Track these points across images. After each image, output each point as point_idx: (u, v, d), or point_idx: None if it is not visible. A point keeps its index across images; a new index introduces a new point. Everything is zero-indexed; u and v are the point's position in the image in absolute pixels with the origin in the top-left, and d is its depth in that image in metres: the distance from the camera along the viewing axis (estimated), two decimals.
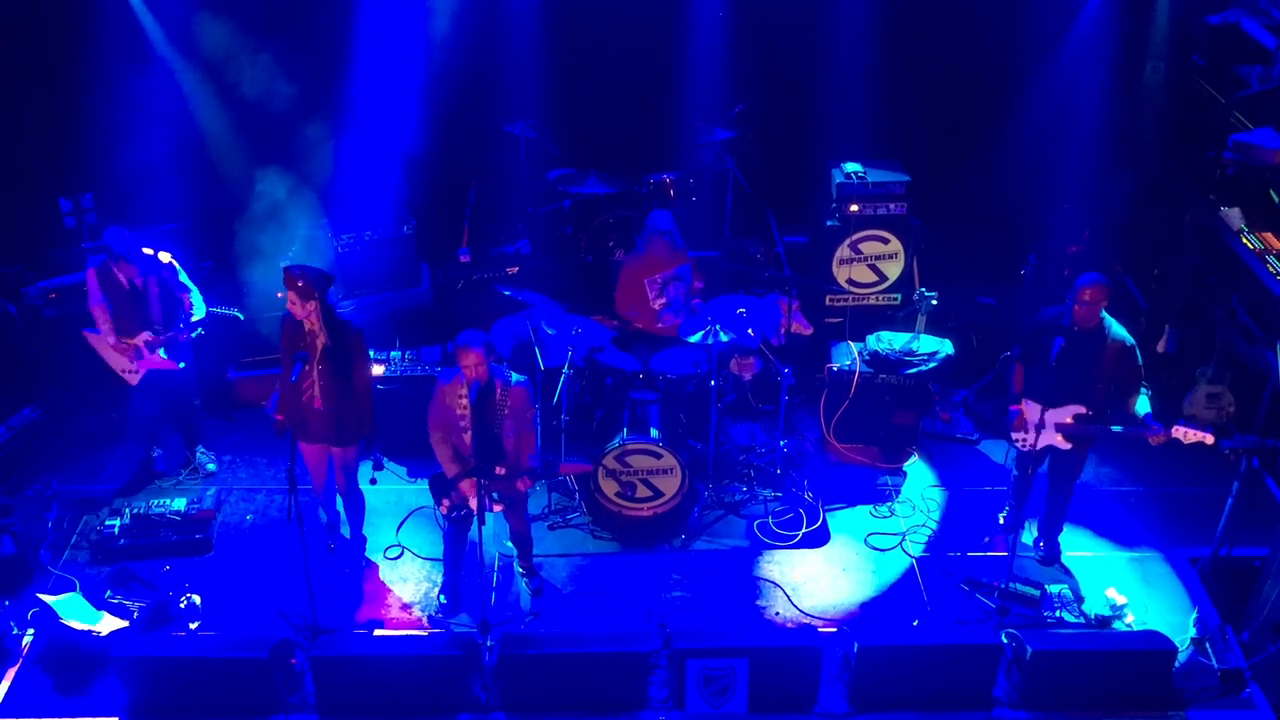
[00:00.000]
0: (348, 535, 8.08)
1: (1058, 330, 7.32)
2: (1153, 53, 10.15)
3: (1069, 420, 7.40)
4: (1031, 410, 7.48)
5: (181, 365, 8.33)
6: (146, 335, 8.14)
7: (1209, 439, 7.09)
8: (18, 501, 8.21)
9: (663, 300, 8.88)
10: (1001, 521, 8.18)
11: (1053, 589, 7.75)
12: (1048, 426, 7.44)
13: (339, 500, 7.93)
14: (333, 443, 7.52)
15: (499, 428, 7.13)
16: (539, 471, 7.33)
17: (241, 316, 8.69)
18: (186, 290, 8.24)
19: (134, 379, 8.29)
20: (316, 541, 7.81)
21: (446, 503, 7.33)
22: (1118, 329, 7.33)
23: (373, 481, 7.73)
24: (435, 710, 7.00)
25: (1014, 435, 7.66)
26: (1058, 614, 7.62)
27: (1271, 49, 9.34)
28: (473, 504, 7.30)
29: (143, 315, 8.13)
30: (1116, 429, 7.36)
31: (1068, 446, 7.51)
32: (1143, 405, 7.38)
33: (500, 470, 7.13)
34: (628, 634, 7.36)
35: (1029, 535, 8.14)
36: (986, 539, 8.02)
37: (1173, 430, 7.12)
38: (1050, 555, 7.98)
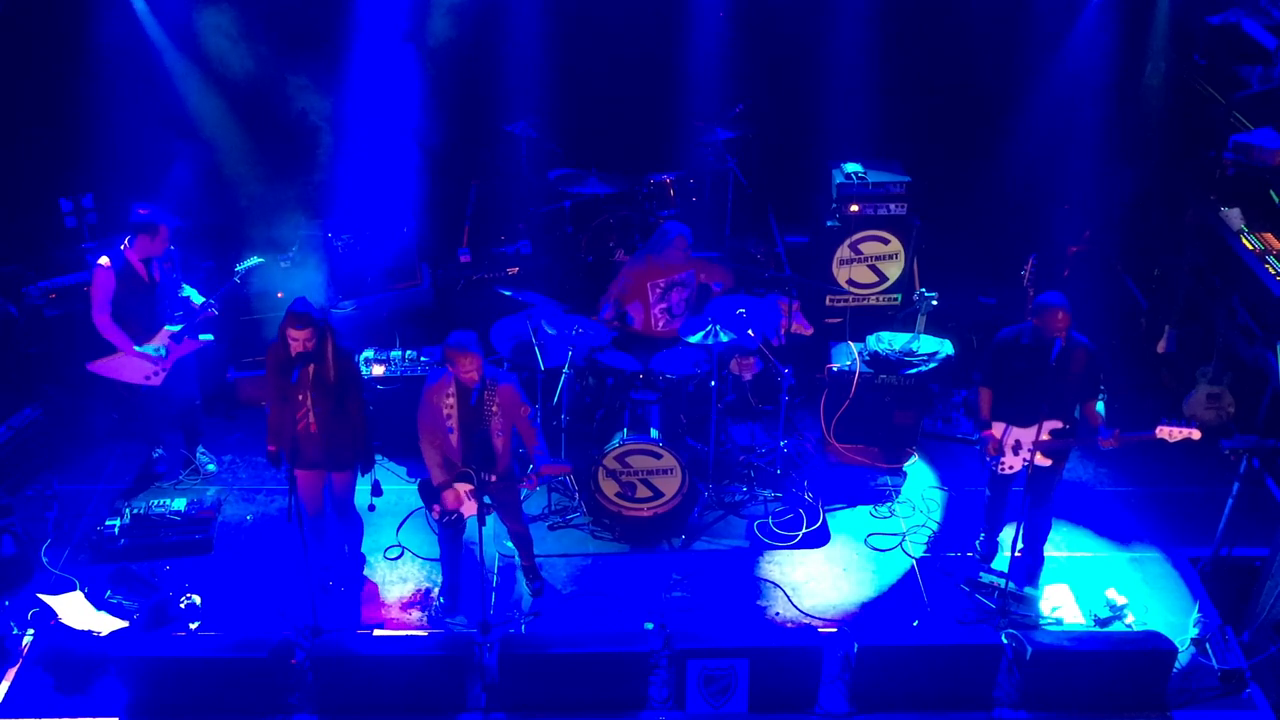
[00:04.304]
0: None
1: (1025, 350, 7.26)
2: (1153, 53, 10.16)
3: (1048, 437, 7.31)
4: (1007, 434, 7.48)
5: (211, 338, 8.36)
6: (165, 331, 8.12)
7: (1195, 434, 7.06)
8: (18, 501, 8.20)
9: (664, 305, 8.89)
10: (978, 547, 8.15)
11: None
12: (1025, 447, 7.42)
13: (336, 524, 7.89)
14: (329, 467, 7.46)
15: (486, 426, 7.11)
16: (529, 477, 7.30)
17: (263, 260, 8.64)
18: (180, 284, 8.27)
19: (159, 379, 8.19)
20: (317, 544, 7.80)
21: (438, 508, 7.32)
22: (1079, 336, 7.28)
23: (371, 509, 7.74)
24: (435, 710, 7.00)
25: (1000, 463, 7.57)
26: (1054, 613, 7.63)
27: (1272, 49, 9.35)
28: (464, 510, 7.31)
29: (159, 309, 8.09)
30: (1093, 440, 7.34)
31: (1049, 463, 7.48)
32: (1100, 408, 7.40)
33: (491, 478, 7.11)
34: (628, 634, 7.36)
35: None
36: (965, 587, 7.97)
37: (1157, 430, 7.07)
38: (1034, 566, 7.90)
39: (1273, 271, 8.52)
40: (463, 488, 7.25)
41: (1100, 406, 7.41)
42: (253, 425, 9.19)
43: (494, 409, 7.09)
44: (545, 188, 10.35)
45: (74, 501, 8.45)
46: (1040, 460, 7.41)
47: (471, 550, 7.54)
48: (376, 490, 7.50)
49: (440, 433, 7.20)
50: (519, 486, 7.45)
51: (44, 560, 7.96)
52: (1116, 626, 7.56)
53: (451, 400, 7.12)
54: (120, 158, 9.33)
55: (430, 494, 7.33)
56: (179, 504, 8.19)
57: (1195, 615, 7.63)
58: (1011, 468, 7.55)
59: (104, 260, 7.91)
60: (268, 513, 8.48)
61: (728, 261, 9.98)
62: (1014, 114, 10.32)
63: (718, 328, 8.10)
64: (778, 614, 7.74)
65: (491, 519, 7.26)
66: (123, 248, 7.92)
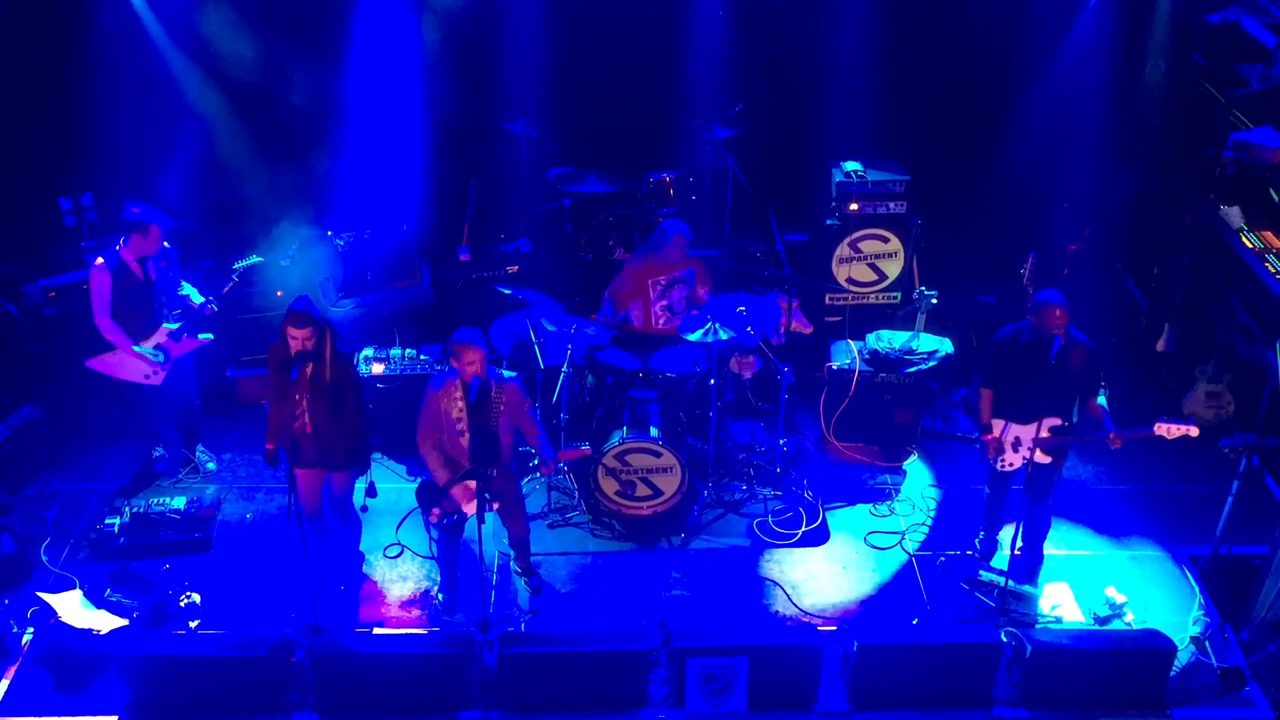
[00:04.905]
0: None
1: (1025, 348, 7.27)
2: (1153, 51, 10.16)
3: (1047, 434, 7.31)
4: (1006, 431, 7.48)
5: (211, 337, 8.37)
6: (163, 329, 8.12)
7: (1194, 431, 7.06)
8: (18, 500, 8.20)
9: (664, 303, 8.90)
10: (978, 546, 8.16)
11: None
12: (1024, 444, 7.43)
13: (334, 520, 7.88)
14: (326, 467, 7.46)
15: (495, 425, 7.13)
16: (545, 463, 7.31)
17: (262, 258, 8.65)
18: (180, 283, 8.27)
19: (158, 378, 8.18)
20: (316, 543, 7.80)
21: (437, 511, 7.31)
22: (1078, 333, 7.29)
23: (364, 509, 7.73)
24: (435, 708, 7.00)
25: (1001, 460, 7.59)
26: (1054, 612, 7.63)
27: (1271, 48, 9.34)
28: (467, 509, 7.31)
29: (156, 308, 8.08)
30: (1094, 436, 7.36)
31: (1049, 460, 7.49)
32: (1102, 400, 7.40)
33: (493, 472, 7.12)
34: (628, 632, 7.36)
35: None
36: (965, 584, 7.96)
37: (1155, 427, 7.08)
38: (1034, 564, 7.89)
39: (1272, 270, 8.51)
40: (470, 485, 7.25)
41: (1102, 399, 7.40)
42: (252, 424, 9.19)
43: (501, 407, 7.13)
44: (545, 186, 10.36)
45: (73, 500, 8.44)
46: (1040, 457, 7.42)
47: (471, 549, 7.54)
48: (371, 492, 7.51)
49: (448, 435, 7.21)
50: (536, 472, 7.37)
51: (44, 559, 7.96)
52: (1116, 625, 7.56)
53: (460, 403, 7.13)
54: (120, 156, 9.33)
55: (428, 498, 7.33)
56: (179, 503, 8.19)
57: (1195, 613, 7.63)
58: (1012, 465, 7.56)
59: (99, 261, 7.92)
60: (267, 511, 8.48)
61: (723, 261, 9.98)
62: (1014, 113, 10.32)
63: (717, 326, 8.10)
64: (777, 612, 7.74)
65: (491, 517, 7.26)
66: (118, 247, 7.93)
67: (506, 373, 7.27)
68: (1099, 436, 7.26)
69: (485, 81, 10.25)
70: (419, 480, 8.56)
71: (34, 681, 7.15)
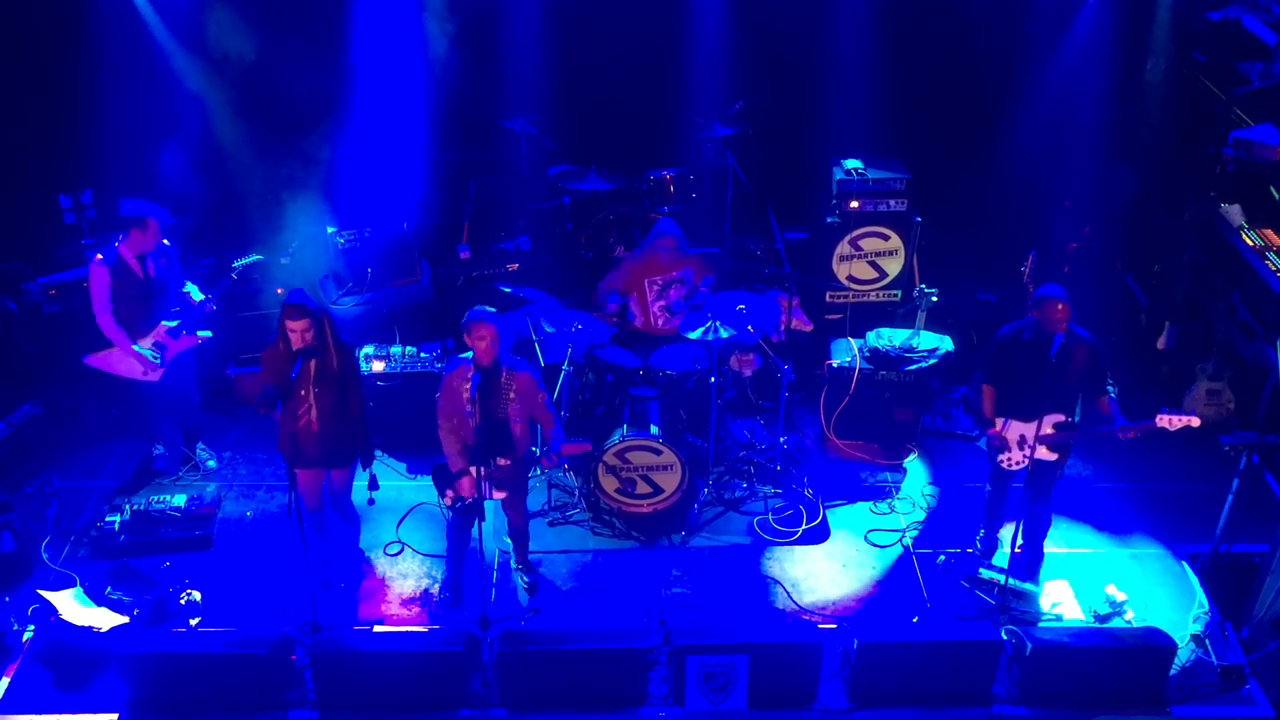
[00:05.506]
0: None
1: (1026, 345, 7.28)
2: (1153, 49, 10.16)
3: (1050, 430, 7.33)
4: (1008, 429, 7.49)
5: (209, 334, 8.35)
6: (162, 327, 8.12)
7: (1195, 422, 7.05)
8: (18, 498, 8.20)
9: (662, 303, 8.90)
10: (978, 544, 8.15)
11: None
12: (1029, 441, 7.43)
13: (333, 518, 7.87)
14: (328, 465, 7.45)
15: (504, 413, 7.10)
16: (549, 455, 7.27)
17: (262, 257, 8.64)
18: (182, 280, 8.25)
19: (155, 375, 8.18)
20: (317, 540, 7.80)
21: (450, 494, 7.31)
22: (1081, 330, 7.29)
23: (370, 503, 7.74)
24: (435, 706, 7.00)
25: (1001, 457, 7.59)
26: (1054, 610, 7.63)
27: (1272, 45, 9.33)
28: (468, 495, 7.29)
29: (155, 306, 8.07)
30: (1101, 430, 7.36)
31: (1054, 456, 7.49)
32: (1112, 392, 7.40)
33: (503, 461, 7.11)
34: (628, 630, 7.36)
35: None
36: (965, 583, 7.97)
37: (1157, 419, 7.07)
38: (1034, 562, 7.90)
39: (1273, 268, 8.51)
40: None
41: (1112, 391, 7.38)
42: (253, 422, 9.18)
43: (511, 395, 7.09)
44: (545, 184, 10.35)
45: (74, 498, 8.44)
46: (1045, 454, 7.42)
47: (472, 546, 7.54)
48: (373, 484, 7.50)
49: (460, 417, 7.18)
50: (538, 464, 7.41)
51: (44, 556, 7.95)
52: (1116, 623, 7.56)
53: (469, 385, 7.09)
54: (120, 153, 9.33)
55: (444, 480, 7.32)
56: (179, 500, 8.20)
57: (1195, 611, 7.64)
58: (1016, 463, 7.55)
59: (98, 258, 7.92)
60: (267, 509, 8.48)
61: (723, 259, 9.97)
62: (1014, 110, 10.32)
63: (717, 324, 8.10)
64: (778, 610, 7.73)
65: (491, 514, 7.25)
66: (117, 244, 7.92)
67: (523, 362, 7.23)
68: (1106, 430, 7.27)
69: (485, 79, 10.25)
70: (420, 477, 8.59)
71: (34, 679, 7.15)
